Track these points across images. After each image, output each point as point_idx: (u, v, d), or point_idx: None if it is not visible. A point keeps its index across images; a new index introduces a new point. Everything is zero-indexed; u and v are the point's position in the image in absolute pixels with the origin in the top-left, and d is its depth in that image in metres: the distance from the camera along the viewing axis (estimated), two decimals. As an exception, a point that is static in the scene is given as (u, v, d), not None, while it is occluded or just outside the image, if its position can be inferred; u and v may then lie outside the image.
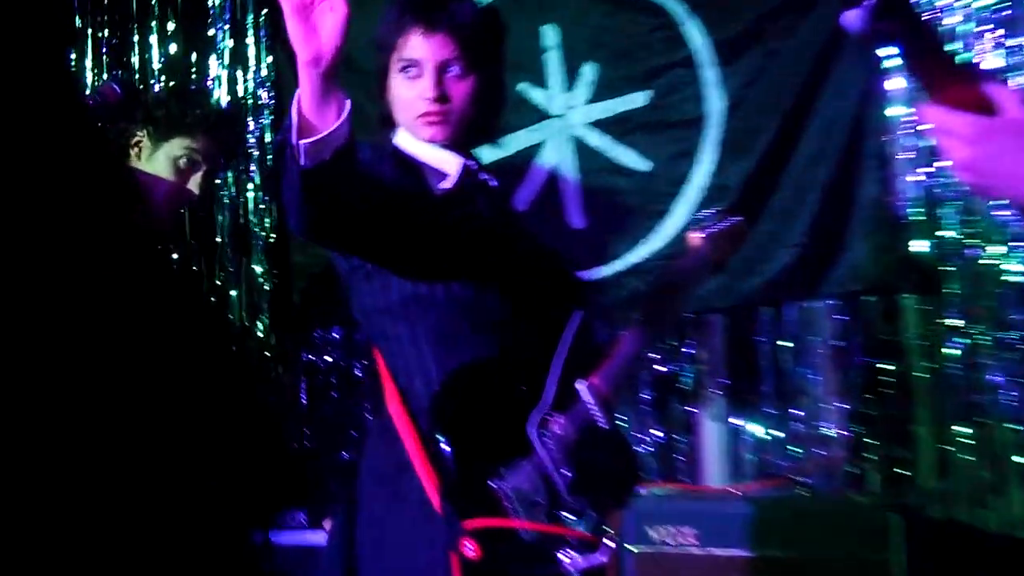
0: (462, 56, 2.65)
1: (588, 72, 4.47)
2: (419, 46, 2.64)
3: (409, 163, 2.69)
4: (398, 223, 2.52)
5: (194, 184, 3.59)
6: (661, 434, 4.47)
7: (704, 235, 3.11)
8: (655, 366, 4.47)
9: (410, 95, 2.65)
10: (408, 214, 2.55)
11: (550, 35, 4.49)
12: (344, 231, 2.45)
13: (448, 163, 2.70)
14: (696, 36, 4.39)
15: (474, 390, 2.58)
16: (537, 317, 2.69)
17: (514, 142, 4.46)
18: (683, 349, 4.48)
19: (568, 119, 4.48)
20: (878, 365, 4.26)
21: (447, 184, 2.68)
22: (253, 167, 4.73)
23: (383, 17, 2.72)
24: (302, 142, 2.18)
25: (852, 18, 1.58)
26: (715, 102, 4.39)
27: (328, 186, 2.23)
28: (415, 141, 2.70)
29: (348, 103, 2.21)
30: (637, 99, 4.44)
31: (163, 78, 4.66)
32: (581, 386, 2.63)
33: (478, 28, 2.69)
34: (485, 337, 2.62)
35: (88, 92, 2.56)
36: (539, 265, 2.80)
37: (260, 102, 4.71)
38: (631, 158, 4.44)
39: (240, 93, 4.70)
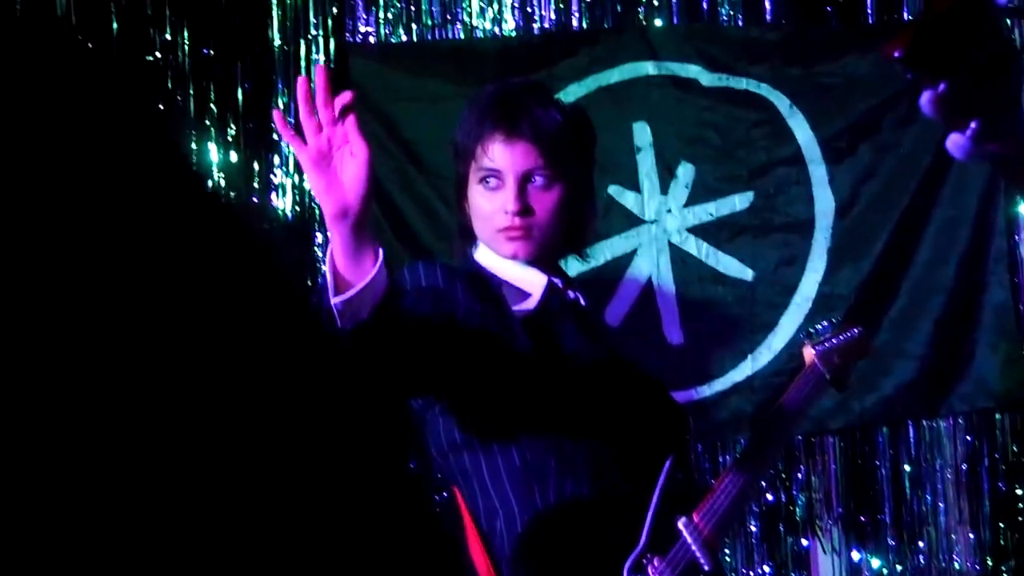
0: (547, 164, 2.57)
1: (684, 173, 4.34)
2: (500, 155, 2.56)
3: (486, 283, 2.61)
4: (469, 356, 2.44)
5: None
6: (770, 570, 4.34)
7: (820, 350, 3.00)
8: (763, 495, 4.36)
9: (490, 208, 2.59)
10: (481, 344, 2.46)
11: (642, 133, 4.34)
12: (403, 380, 2.37)
13: (531, 281, 2.63)
14: (801, 131, 4.30)
15: (562, 532, 2.50)
16: (632, 448, 2.59)
17: (604, 251, 4.31)
18: (794, 475, 4.36)
19: (663, 224, 4.34)
20: (1012, 490, 4.23)
21: (529, 305, 2.60)
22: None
23: (461, 120, 2.65)
24: (335, 301, 2.08)
25: (954, 145, 1.51)
26: (824, 202, 4.29)
27: (373, 344, 2.13)
28: (496, 257, 2.63)
29: (381, 252, 2.11)
30: (738, 201, 4.32)
31: (223, 188, 4.54)
32: (681, 524, 2.55)
33: (564, 133, 2.61)
34: (573, 473, 2.52)
35: None
36: (633, 390, 2.69)
37: None
38: (733, 266, 4.31)
39: (307, 201, 4.50)
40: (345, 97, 2.09)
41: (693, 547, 2.55)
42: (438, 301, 2.44)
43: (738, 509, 2.76)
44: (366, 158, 2.09)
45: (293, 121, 4.36)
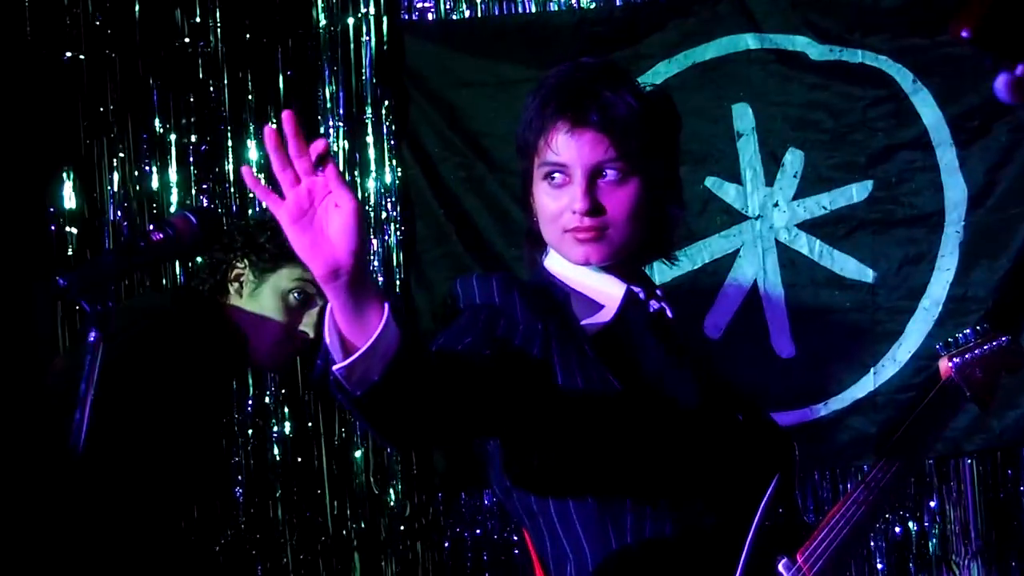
0: (620, 156, 2.37)
1: (792, 161, 4.11)
2: (565, 147, 2.38)
3: (551, 296, 2.46)
4: (527, 383, 2.28)
5: (309, 324, 3.33)
6: None
7: (959, 362, 2.89)
8: (891, 527, 4.18)
9: (556, 207, 2.40)
10: (541, 369, 2.31)
11: (743, 116, 4.12)
12: (445, 430, 2.25)
13: (606, 292, 2.46)
14: (927, 110, 4.07)
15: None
16: (724, 481, 2.42)
17: (702, 253, 4.10)
18: (925, 504, 4.18)
19: (769, 220, 4.12)
20: None
21: (602, 319, 2.44)
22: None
23: (524, 111, 2.47)
24: (336, 368, 1.95)
25: (1000, 87, 1.41)
26: (955, 191, 4.09)
27: (391, 404, 1.99)
28: (567, 264, 2.46)
29: (387, 307, 1.95)
30: (855, 192, 4.10)
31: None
32: (781, 566, 2.41)
33: (640, 119, 2.39)
34: (654, 511, 2.37)
35: (156, 224, 2.28)
36: (726, 414, 2.51)
37: (384, 215, 4.32)
38: (850, 266, 4.09)
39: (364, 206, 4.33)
40: (319, 145, 1.90)
41: None
42: (492, 321, 2.32)
43: (852, 549, 2.57)
44: (353, 209, 1.89)
45: (342, 114, 4.34)
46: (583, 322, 2.42)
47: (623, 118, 2.37)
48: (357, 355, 1.93)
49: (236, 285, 3.33)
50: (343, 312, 1.94)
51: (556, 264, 2.49)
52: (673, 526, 2.37)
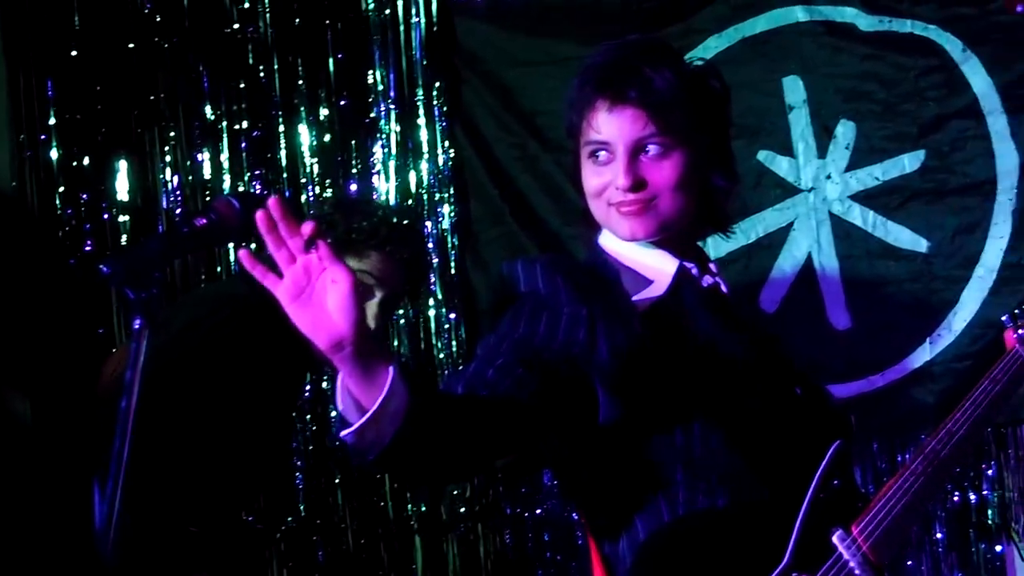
0: (661, 131, 2.41)
1: (844, 132, 4.13)
2: (605, 124, 2.42)
3: (599, 275, 2.50)
4: (573, 367, 2.31)
5: (370, 316, 3.26)
6: None
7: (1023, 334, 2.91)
8: (949, 496, 4.19)
9: (600, 182, 2.45)
10: (588, 351, 2.33)
11: (794, 89, 4.14)
12: (474, 466, 2.47)
13: (657, 267, 2.50)
14: (978, 78, 4.07)
15: (692, 550, 2.37)
16: (779, 453, 2.44)
17: (756, 226, 4.13)
18: (985, 472, 4.17)
19: (822, 193, 4.15)
20: None
21: (652, 294, 2.46)
22: (433, 279, 4.32)
23: (569, 91, 2.51)
24: (343, 434, 2.03)
25: None
26: (1007, 159, 4.08)
27: (411, 462, 2.08)
28: (618, 241, 2.51)
29: (392, 370, 2.00)
30: (908, 162, 4.10)
31: (316, 176, 4.35)
32: (836, 538, 2.39)
33: (682, 93, 2.43)
34: (706, 483, 2.40)
35: (199, 210, 2.29)
36: (781, 387, 2.53)
37: (437, 196, 4.37)
38: (904, 237, 4.11)
39: (412, 187, 4.34)
40: (307, 228, 1.98)
41: (851, 563, 2.38)
42: (534, 319, 2.35)
43: (910, 521, 2.55)
44: (349, 283, 1.96)
45: (394, 96, 4.38)
46: (634, 298, 2.45)
47: (662, 92, 2.39)
48: (365, 419, 1.98)
49: None
50: (353, 379, 2.00)
51: (609, 241, 2.52)
52: (727, 499, 2.38)
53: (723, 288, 2.56)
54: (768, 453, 2.42)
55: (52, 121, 4.28)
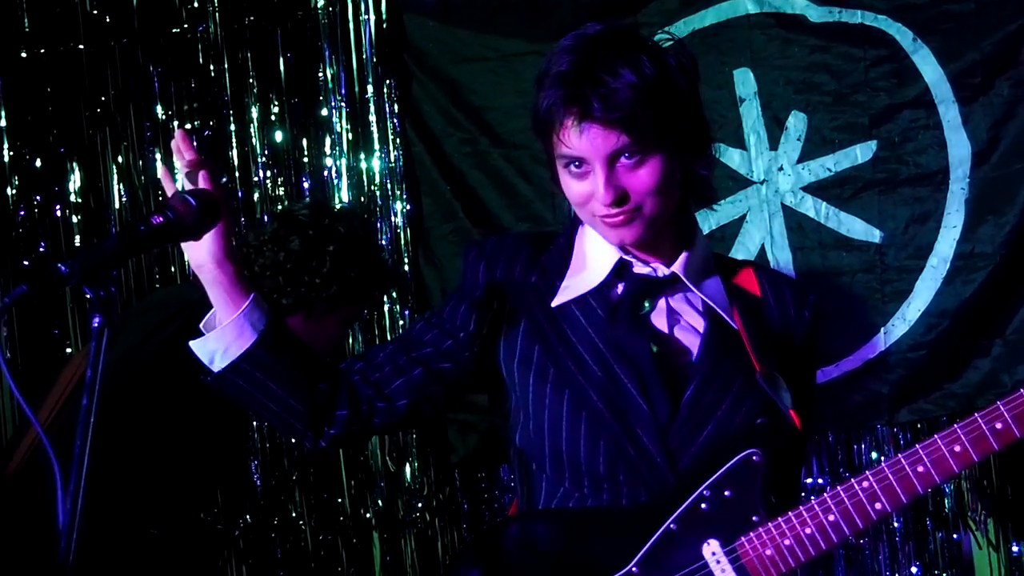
0: (634, 140, 2.38)
1: (795, 124, 4.17)
2: (576, 140, 2.40)
3: (552, 259, 2.58)
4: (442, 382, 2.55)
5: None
6: (918, 570, 4.22)
7: None
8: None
9: (581, 193, 2.45)
10: (514, 345, 2.53)
11: (745, 81, 4.19)
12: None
13: (597, 257, 2.54)
14: (928, 67, 4.09)
15: (526, 545, 2.45)
16: (666, 459, 2.45)
17: (708, 219, 4.17)
18: None
19: (774, 184, 4.19)
20: None
21: (584, 287, 2.52)
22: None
23: (534, 92, 2.48)
24: (193, 342, 2.46)
25: None
26: (959, 148, 4.10)
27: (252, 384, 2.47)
28: (595, 238, 2.55)
29: (251, 296, 2.43)
30: (860, 152, 4.14)
31: (268, 174, 4.41)
32: (707, 549, 2.40)
33: (648, 94, 2.38)
34: (573, 481, 2.49)
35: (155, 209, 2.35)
36: (708, 385, 2.50)
37: (390, 193, 4.44)
38: (857, 227, 4.15)
39: (365, 185, 4.41)
40: (189, 154, 2.35)
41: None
42: (458, 296, 2.57)
43: (806, 551, 2.40)
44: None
45: (344, 94, 4.46)
46: (565, 287, 2.52)
47: (627, 103, 2.35)
48: (220, 327, 2.40)
49: (306, 310, 3.35)
50: (213, 296, 2.41)
51: (583, 228, 2.57)
52: (598, 499, 2.44)
53: (682, 275, 2.50)
54: (652, 458, 2.43)
55: (2, 123, 4.37)
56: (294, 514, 4.33)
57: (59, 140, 4.38)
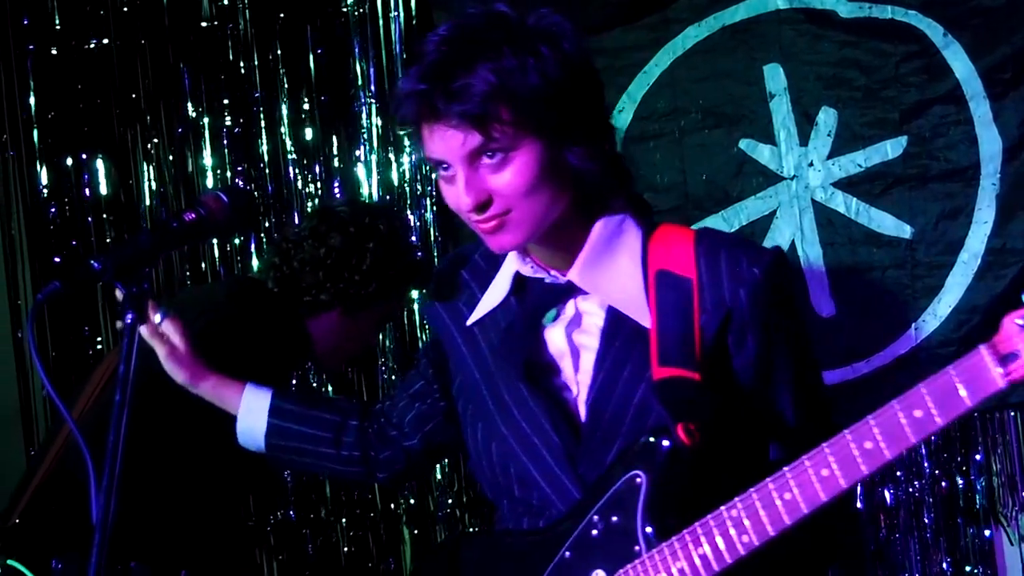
0: (492, 137, 2.19)
1: (825, 120, 4.15)
2: (431, 142, 2.25)
3: (476, 281, 2.49)
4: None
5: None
6: (948, 567, 4.20)
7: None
8: (937, 482, 4.21)
9: (452, 200, 2.29)
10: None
11: (775, 77, 4.17)
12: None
13: (504, 271, 2.43)
14: (959, 63, 4.05)
15: (448, 568, 2.47)
16: (570, 481, 2.36)
17: (738, 215, 4.18)
18: (971, 457, 4.20)
19: (804, 180, 4.18)
20: None
21: (488, 305, 2.43)
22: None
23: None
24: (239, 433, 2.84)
25: None
26: (990, 144, 4.04)
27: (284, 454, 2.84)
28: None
29: (244, 387, 2.79)
30: (890, 148, 4.10)
31: (298, 171, 4.45)
32: None
33: (507, 89, 2.18)
34: (508, 505, 2.47)
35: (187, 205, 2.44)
36: (613, 402, 2.35)
37: (420, 189, 4.48)
38: (888, 223, 4.13)
39: (395, 181, 4.45)
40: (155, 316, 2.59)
41: None
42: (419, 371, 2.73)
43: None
44: (165, 351, 2.72)
45: (374, 91, 4.48)
46: (478, 307, 2.45)
47: (480, 98, 2.17)
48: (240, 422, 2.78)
49: (342, 306, 3.39)
50: (215, 400, 2.79)
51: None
52: (531, 523, 2.38)
53: (577, 282, 2.35)
54: (561, 482, 2.34)
55: (34, 120, 4.42)
56: (325, 510, 4.37)
57: (90, 137, 4.42)
